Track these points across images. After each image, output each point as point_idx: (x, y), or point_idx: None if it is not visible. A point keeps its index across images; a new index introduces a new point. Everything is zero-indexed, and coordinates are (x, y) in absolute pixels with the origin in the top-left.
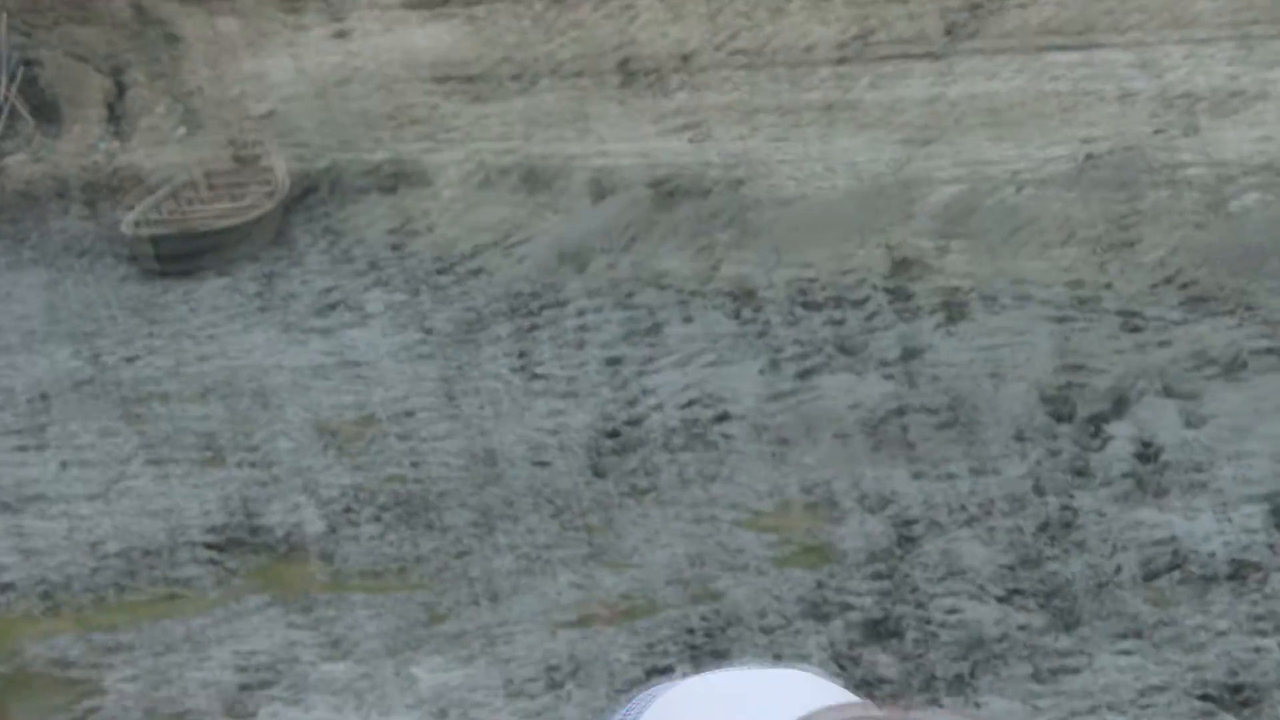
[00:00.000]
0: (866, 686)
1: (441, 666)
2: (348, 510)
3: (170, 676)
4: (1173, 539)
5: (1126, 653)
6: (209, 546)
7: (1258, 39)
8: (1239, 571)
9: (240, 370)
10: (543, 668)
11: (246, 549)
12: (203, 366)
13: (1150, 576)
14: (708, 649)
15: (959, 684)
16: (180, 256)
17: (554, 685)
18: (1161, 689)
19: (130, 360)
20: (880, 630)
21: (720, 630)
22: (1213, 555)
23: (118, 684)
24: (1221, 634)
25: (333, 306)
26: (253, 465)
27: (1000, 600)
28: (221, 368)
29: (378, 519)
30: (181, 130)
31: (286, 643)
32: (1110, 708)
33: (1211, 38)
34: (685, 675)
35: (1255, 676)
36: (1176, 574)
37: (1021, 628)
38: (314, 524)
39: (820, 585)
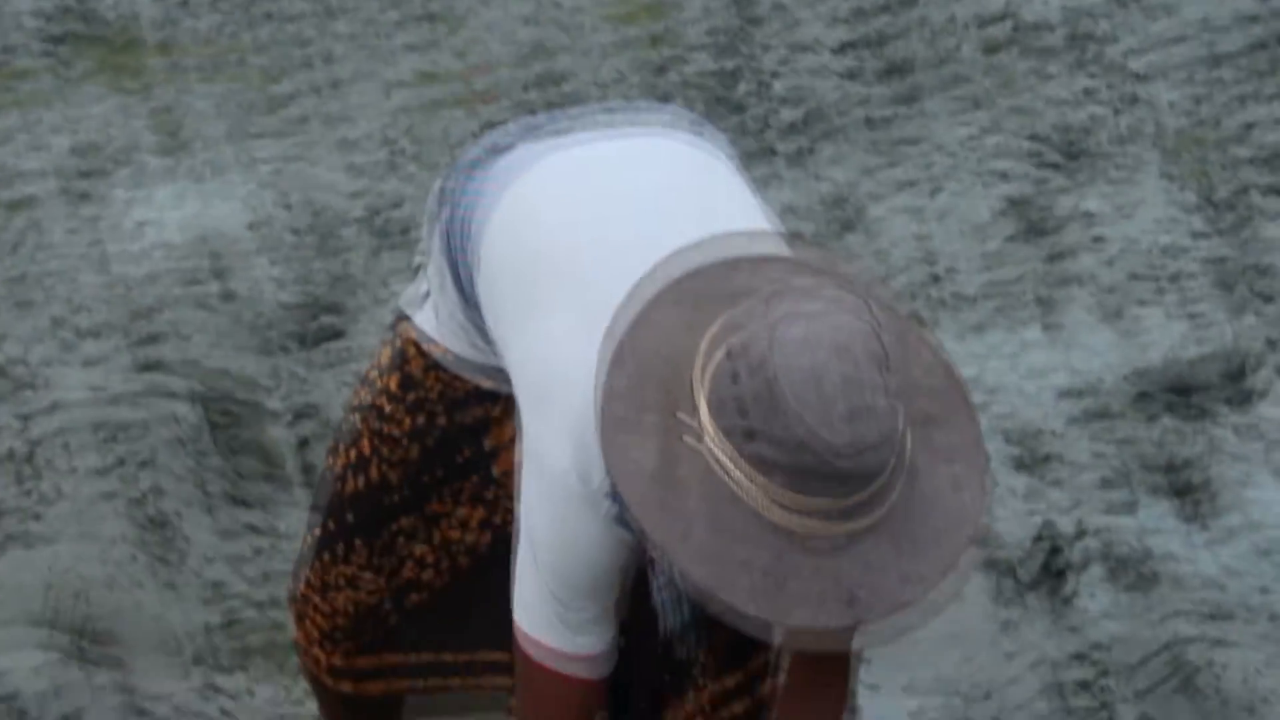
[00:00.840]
0: None
1: (274, 129)
2: (183, 2)
3: (4, 163)
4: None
5: (958, 100)
6: (43, 38)
7: None
8: (1069, 19)
9: None
10: (379, 125)
11: (82, 40)
12: None
13: (984, 25)
14: (542, 105)
15: (799, 156)
16: None
17: (388, 141)
18: (991, 131)
19: None
20: (721, 106)
21: (554, 85)
22: (1045, 3)
23: None
24: (1051, 78)
25: None
26: None
27: (834, 52)
28: None
29: (214, 7)
30: None
31: (126, 130)
32: (939, 149)
33: None
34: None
35: (1085, 121)
36: (1009, 23)
37: (853, 77)
38: (149, 11)
39: (661, 70)
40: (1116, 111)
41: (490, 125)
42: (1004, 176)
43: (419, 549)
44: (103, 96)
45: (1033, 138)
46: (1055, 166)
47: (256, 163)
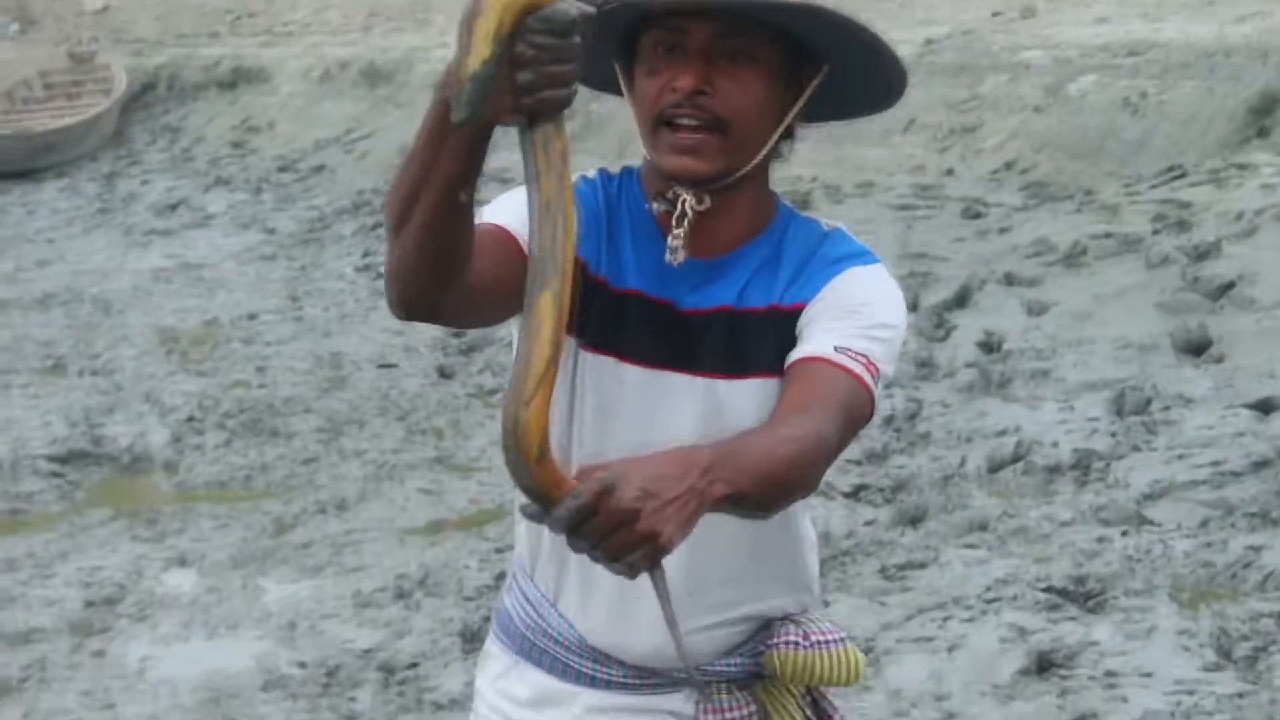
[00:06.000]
0: None
1: (289, 578)
2: (191, 420)
3: (14, 595)
4: (1017, 430)
5: (972, 547)
6: (51, 460)
7: None
8: (1081, 461)
9: (81, 276)
10: (391, 577)
11: (90, 462)
12: (43, 272)
13: (995, 469)
14: None
15: None
16: (17, 159)
17: (403, 595)
18: (1007, 583)
19: None
20: None
21: None
22: (1055, 445)
23: None
24: (1065, 525)
25: (174, 207)
26: (95, 374)
27: (847, 497)
28: (62, 273)
29: (222, 427)
30: (15, 28)
31: (132, 558)
32: (956, 602)
33: None
34: None
35: (1099, 568)
36: (1020, 465)
37: (868, 524)
38: (158, 435)
39: None
40: (1128, 556)
41: (503, 578)
42: (1015, 613)
43: None
44: (108, 520)
45: (1042, 574)
46: (1062, 593)
47: (271, 615)
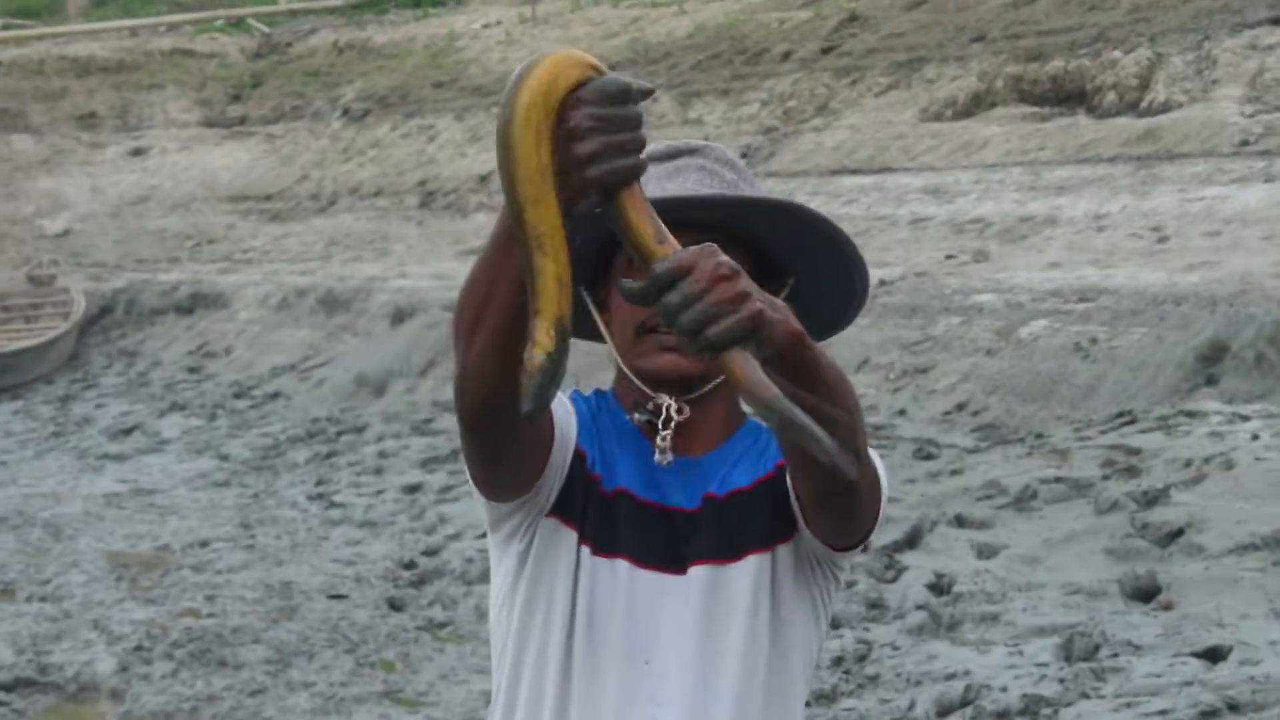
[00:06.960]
0: None
1: None
2: (139, 649)
3: None
4: (966, 673)
5: None
6: None
7: (1044, 165)
8: (1030, 708)
9: (33, 499)
10: None
11: (35, 690)
12: None
13: (944, 713)
14: None
15: None
16: None
17: None
18: None
19: None
20: None
21: None
22: (1004, 691)
23: None
24: None
25: (128, 432)
26: (43, 600)
27: None
28: (13, 496)
29: (170, 657)
30: None
31: None
32: None
33: (1000, 164)
34: None
35: None
36: (969, 710)
37: None
38: (104, 663)
39: None
40: None
41: None
42: None
43: None
44: None
45: None
46: None
47: None
